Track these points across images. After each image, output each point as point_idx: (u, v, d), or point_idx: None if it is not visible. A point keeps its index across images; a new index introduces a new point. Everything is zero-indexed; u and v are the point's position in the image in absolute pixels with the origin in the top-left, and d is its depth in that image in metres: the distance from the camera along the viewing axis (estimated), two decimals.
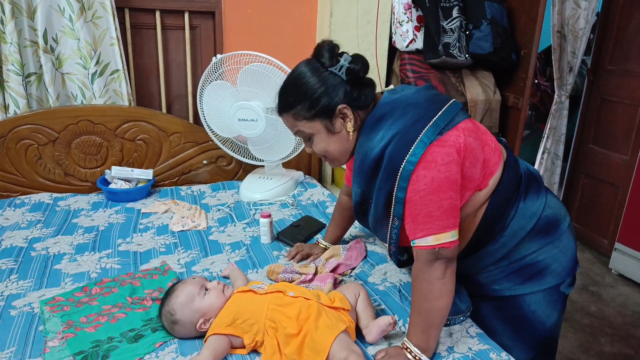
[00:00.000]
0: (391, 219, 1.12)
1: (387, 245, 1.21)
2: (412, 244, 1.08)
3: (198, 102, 1.99)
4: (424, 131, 1.05)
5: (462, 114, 1.11)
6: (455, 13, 2.25)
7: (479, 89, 2.39)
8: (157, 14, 2.15)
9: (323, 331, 1.06)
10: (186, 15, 2.18)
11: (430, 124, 1.05)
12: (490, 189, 1.15)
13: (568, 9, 2.89)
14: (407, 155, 1.04)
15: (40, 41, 1.91)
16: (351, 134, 1.14)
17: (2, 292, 1.34)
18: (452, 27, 2.24)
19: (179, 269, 1.50)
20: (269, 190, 2.05)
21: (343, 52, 1.13)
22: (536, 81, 4.41)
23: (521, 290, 1.24)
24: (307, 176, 2.30)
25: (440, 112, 1.08)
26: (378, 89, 1.22)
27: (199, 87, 1.96)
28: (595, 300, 2.65)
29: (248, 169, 2.25)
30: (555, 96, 3.22)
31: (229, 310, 1.16)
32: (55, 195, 1.98)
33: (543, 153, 3.39)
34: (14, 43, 1.86)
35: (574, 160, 3.36)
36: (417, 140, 1.04)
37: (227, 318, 1.14)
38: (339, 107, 1.11)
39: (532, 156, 3.45)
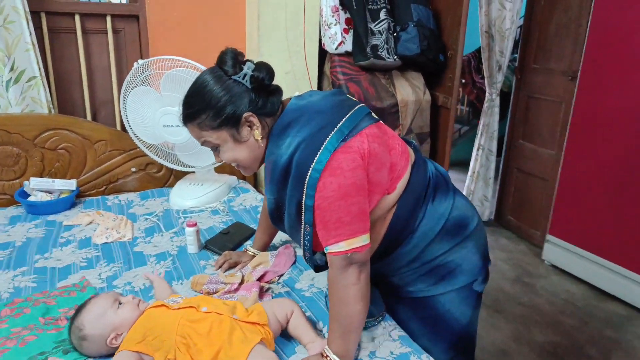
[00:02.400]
0: (303, 226, 1.13)
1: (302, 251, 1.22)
2: (325, 251, 1.09)
3: (122, 108, 1.93)
4: (328, 138, 1.06)
5: (367, 120, 1.12)
6: (382, 15, 2.29)
7: (409, 90, 2.44)
8: (77, 17, 2.06)
9: (237, 346, 1.05)
10: (108, 19, 2.11)
11: (334, 130, 1.07)
12: (399, 193, 1.18)
13: (494, 10, 3.01)
14: (313, 163, 1.05)
15: None
16: (260, 141, 1.14)
17: None
18: (380, 29, 2.28)
19: (100, 284, 1.45)
20: (200, 197, 2.02)
21: (247, 60, 1.13)
22: (472, 80, 4.58)
23: (434, 291, 1.28)
24: (241, 181, 2.28)
25: (344, 118, 1.09)
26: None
27: (122, 93, 1.90)
28: (527, 291, 2.78)
29: (180, 175, 2.21)
30: (487, 94, 3.35)
31: (140, 325, 1.13)
32: None
33: (478, 149, 3.51)
34: None
35: (506, 156, 3.50)
36: (322, 148, 1.05)
37: (137, 334, 1.11)
38: (245, 115, 1.10)
39: (470, 152, 3.57)
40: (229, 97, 1.09)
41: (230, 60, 1.10)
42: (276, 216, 1.23)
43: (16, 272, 1.49)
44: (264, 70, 1.12)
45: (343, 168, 1.04)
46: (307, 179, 1.06)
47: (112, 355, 1.13)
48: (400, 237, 1.22)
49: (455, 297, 1.29)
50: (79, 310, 1.17)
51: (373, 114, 1.22)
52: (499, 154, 3.53)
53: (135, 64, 1.84)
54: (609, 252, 2.60)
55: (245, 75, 1.10)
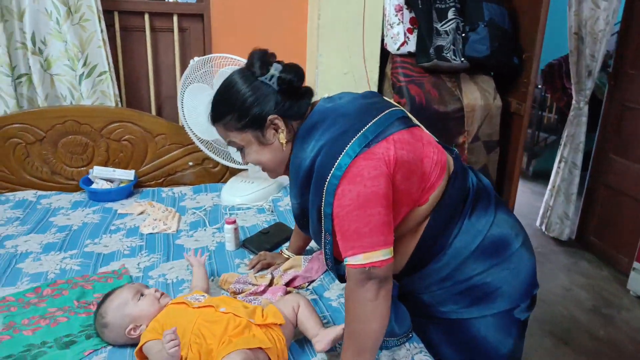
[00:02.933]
0: (323, 234, 1.07)
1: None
2: (344, 262, 1.03)
3: (179, 104, 1.98)
4: (350, 143, 0.99)
5: (397, 124, 1.04)
6: (451, 14, 2.15)
7: (477, 94, 2.27)
8: (146, 16, 2.16)
9: (225, 347, 1.02)
10: (175, 18, 2.19)
11: (357, 135, 1.00)
12: (432, 205, 1.09)
13: (586, 10, 2.73)
14: (333, 169, 0.99)
15: (29, 43, 1.96)
16: (284, 145, 1.10)
17: None
18: (447, 29, 2.14)
19: (136, 273, 1.49)
20: (249, 195, 2.03)
21: (275, 61, 1.09)
22: (562, 86, 4.21)
23: (468, 314, 1.16)
24: None
25: (371, 122, 1.02)
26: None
27: (179, 90, 1.96)
28: (605, 323, 2.48)
29: (235, 171, 2.24)
30: (573, 102, 3.06)
31: (159, 320, 1.14)
32: (40, 193, 2.02)
33: (560, 162, 3.22)
34: (2, 45, 1.91)
35: (593, 171, 3.17)
36: (343, 153, 0.99)
37: (155, 328, 1.12)
38: (270, 117, 1.07)
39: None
40: (254, 98, 1.07)
41: (258, 61, 1.08)
42: (302, 222, 1.19)
43: (66, 254, 1.58)
44: (292, 72, 1.08)
45: (363, 175, 0.97)
46: (325, 185, 1.00)
47: (130, 345, 1.15)
48: (431, 253, 1.12)
49: (492, 323, 1.17)
50: (104, 298, 1.21)
51: (410, 118, 1.13)
52: (584, 168, 3.20)
53: (191, 61, 1.89)
54: None
55: (272, 76, 1.07)
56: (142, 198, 2.04)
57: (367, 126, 1.01)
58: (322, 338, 1.10)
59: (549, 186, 3.33)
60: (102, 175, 2.02)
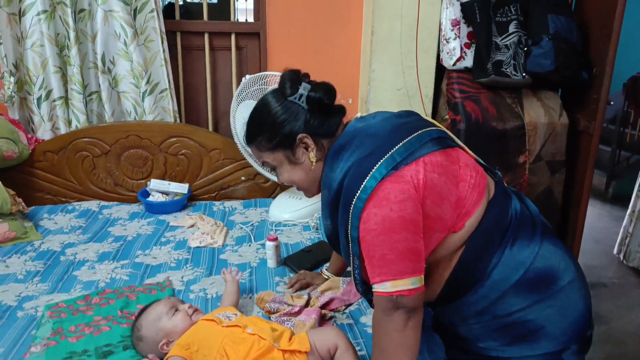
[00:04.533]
0: (351, 258, 1.04)
1: None
2: (372, 288, 0.99)
3: (231, 120, 2.04)
4: (377, 165, 0.96)
5: (430, 146, 0.99)
6: (512, 28, 2.04)
7: (540, 111, 2.13)
8: (206, 36, 2.25)
9: None
10: (233, 37, 2.26)
11: (385, 157, 0.96)
12: (468, 232, 1.02)
13: None
14: (359, 192, 0.96)
15: (99, 63, 2.10)
16: (314, 163, 1.09)
17: (20, 293, 1.48)
18: (508, 43, 2.03)
19: (179, 286, 1.54)
20: (296, 211, 2.03)
21: (305, 81, 1.09)
22: None
23: (509, 352, 1.07)
24: None
25: (401, 143, 0.98)
26: (421, 110, 1.15)
27: (232, 106, 2.01)
28: None
29: (285, 187, 2.25)
30: None
31: (188, 336, 1.16)
32: (103, 203, 2.16)
33: None
34: (76, 65, 2.07)
35: None
36: (369, 175, 0.96)
37: (184, 343, 1.14)
38: (299, 136, 1.06)
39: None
40: (284, 118, 1.07)
41: (288, 81, 1.08)
42: (333, 242, 1.17)
43: (118, 264, 1.67)
44: (322, 90, 1.07)
45: (390, 199, 0.93)
46: (352, 208, 0.97)
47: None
48: (466, 284, 1.05)
49: None
50: (142, 311, 1.25)
51: (450, 139, 1.07)
52: None
53: (243, 79, 1.94)
54: None
55: (301, 95, 1.06)
56: (195, 211, 2.11)
57: (397, 147, 0.97)
58: None
59: (629, 210, 3.04)
60: (159, 188, 2.11)
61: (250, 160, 2.10)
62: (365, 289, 1.11)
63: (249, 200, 2.23)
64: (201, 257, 1.72)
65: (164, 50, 2.13)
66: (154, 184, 2.12)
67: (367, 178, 0.95)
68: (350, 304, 1.44)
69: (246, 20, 2.42)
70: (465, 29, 2.07)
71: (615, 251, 3.19)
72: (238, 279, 1.43)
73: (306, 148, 1.08)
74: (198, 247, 1.79)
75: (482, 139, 2.07)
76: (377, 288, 0.96)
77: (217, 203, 2.20)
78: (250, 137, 1.13)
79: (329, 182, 1.06)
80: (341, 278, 1.50)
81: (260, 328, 1.15)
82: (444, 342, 1.13)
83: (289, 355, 1.09)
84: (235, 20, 2.31)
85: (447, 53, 2.09)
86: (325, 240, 1.80)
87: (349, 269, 1.54)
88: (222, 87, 2.37)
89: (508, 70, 2.02)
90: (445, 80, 2.17)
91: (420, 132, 1.02)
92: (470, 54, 2.08)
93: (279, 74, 1.85)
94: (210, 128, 2.37)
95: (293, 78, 1.08)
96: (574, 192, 2.29)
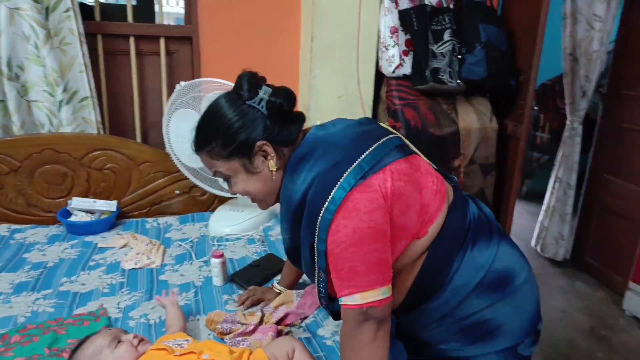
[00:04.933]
0: (316, 271, 0.98)
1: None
2: (339, 302, 0.93)
3: (164, 130, 1.89)
4: (344, 175, 0.91)
5: (394, 154, 0.97)
6: (447, 36, 2.10)
7: (473, 117, 2.21)
8: (132, 39, 2.08)
9: None
10: (162, 41, 2.11)
11: (352, 166, 0.92)
12: (431, 238, 1.00)
13: (581, 31, 2.70)
14: (326, 203, 0.90)
15: (4, 68, 1.86)
16: (274, 172, 1.01)
17: None
18: (443, 51, 2.09)
19: (116, 314, 1.37)
20: (238, 224, 1.92)
21: (264, 84, 1.01)
22: (555, 106, 4.20)
23: (470, 352, 1.08)
24: None
25: (366, 152, 0.94)
26: (362, 117, 1.11)
27: (165, 115, 1.87)
28: (603, 347, 2.39)
29: (224, 199, 2.13)
30: (567, 122, 3.02)
31: None
32: (14, 226, 1.90)
33: (555, 182, 3.16)
34: None
35: (588, 191, 3.12)
36: (337, 186, 0.91)
37: None
38: (258, 143, 0.99)
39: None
40: (241, 123, 0.99)
41: (246, 83, 1.00)
42: (293, 257, 1.10)
43: (39, 294, 1.46)
44: (283, 95, 1.01)
45: (359, 210, 0.89)
46: (319, 221, 0.92)
47: None
48: (429, 290, 1.03)
49: None
50: (78, 345, 1.10)
51: (408, 146, 1.06)
52: (578, 188, 3.15)
53: (177, 86, 1.81)
54: None
55: (261, 100, 0.99)
56: (125, 230, 1.92)
57: (363, 156, 0.94)
58: None
59: (544, 206, 3.27)
60: (82, 207, 1.90)
61: (186, 173, 1.96)
62: (330, 302, 1.06)
63: (185, 215, 2.08)
64: (138, 280, 1.55)
65: (83, 55, 1.93)
66: (76, 202, 1.90)
67: (335, 189, 0.91)
68: (306, 317, 1.37)
69: (172, 24, 2.28)
70: (403, 37, 2.10)
71: (532, 244, 3.41)
72: (175, 299, 1.31)
73: (265, 156, 1.02)
74: (133, 268, 1.62)
75: (421, 145, 2.08)
76: (346, 301, 0.92)
77: (150, 220, 2.02)
78: (201, 144, 1.04)
79: (289, 194, 1.00)
80: (295, 291, 1.42)
81: (218, 352, 1.05)
82: (406, 348, 1.12)
83: None
84: (162, 23, 2.17)
85: (387, 60, 2.10)
86: (271, 252, 1.72)
87: (301, 280, 1.49)
88: (151, 95, 2.20)
89: (444, 77, 2.08)
90: (384, 88, 2.19)
91: (384, 139, 0.99)
92: (408, 62, 2.11)
93: (218, 80, 1.77)
94: (139, 139, 2.19)
95: (252, 80, 1.00)
96: (503, 193, 2.40)
